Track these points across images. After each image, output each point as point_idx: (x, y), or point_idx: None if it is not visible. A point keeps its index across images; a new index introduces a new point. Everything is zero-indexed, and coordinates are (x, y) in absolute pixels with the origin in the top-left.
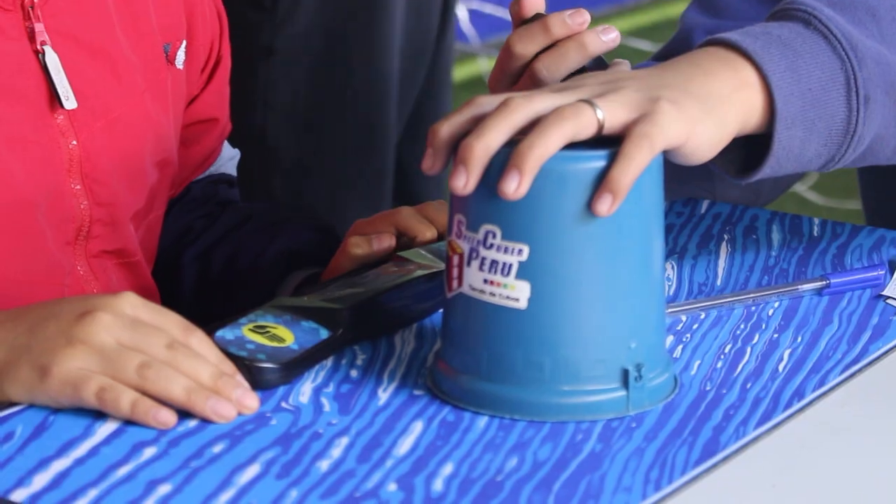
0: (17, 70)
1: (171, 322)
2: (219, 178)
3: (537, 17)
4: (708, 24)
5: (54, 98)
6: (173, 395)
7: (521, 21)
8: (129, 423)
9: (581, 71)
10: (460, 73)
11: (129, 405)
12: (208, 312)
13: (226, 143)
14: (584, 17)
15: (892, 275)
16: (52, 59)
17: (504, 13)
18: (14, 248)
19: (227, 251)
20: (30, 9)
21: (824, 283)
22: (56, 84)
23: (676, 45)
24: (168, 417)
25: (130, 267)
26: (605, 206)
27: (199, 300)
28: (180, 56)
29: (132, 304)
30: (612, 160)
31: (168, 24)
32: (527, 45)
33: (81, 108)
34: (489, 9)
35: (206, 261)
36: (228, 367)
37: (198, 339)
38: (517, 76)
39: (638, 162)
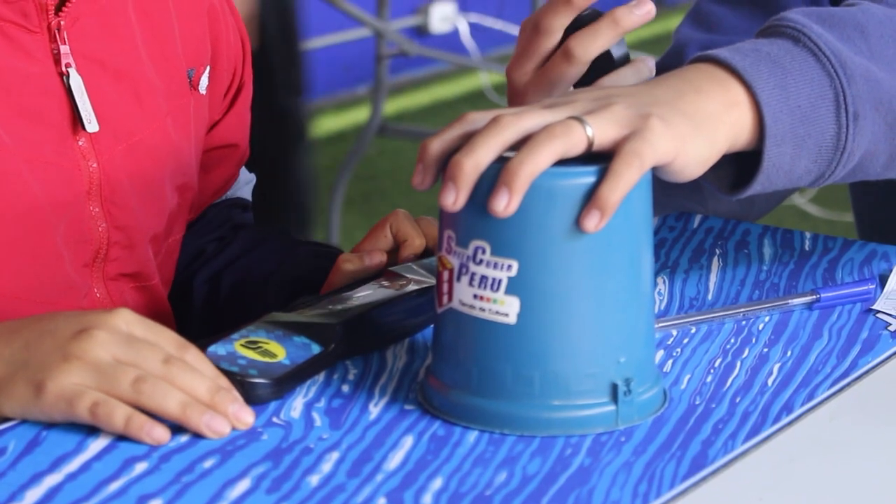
0: (41, 92)
1: (167, 338)
2: (234, 202)
3: (590, 15)
4: (701, 39)
5: (77, 121)
6: (168, 409)
7: (575, 20)
8: (120, 438)
9: (608, 62)
10: (461, 86)
11: (122, 420)
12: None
13: (242, 168)
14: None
15: (882, 289)
16: (77, 82)
17: (504, 26)
18: (31, 268)
19: (236, 276)
20: (56, 31)
21: (814, 297)
22: (79, 107)
23: (669, 59)
24: (161, 434)
25: (147, 291)
26: (592, 222)
27: (207, 323)
28: (204, 81)
29: (127, 321)
30: (601, 176)
31: (193, 49)
32: (555, 21)
33: (103, 131)
34: (489, 22)
35: (215, 284)
36: (224, 382)
37: (193, 355)
38: (545, 56)
39: (627, 180)
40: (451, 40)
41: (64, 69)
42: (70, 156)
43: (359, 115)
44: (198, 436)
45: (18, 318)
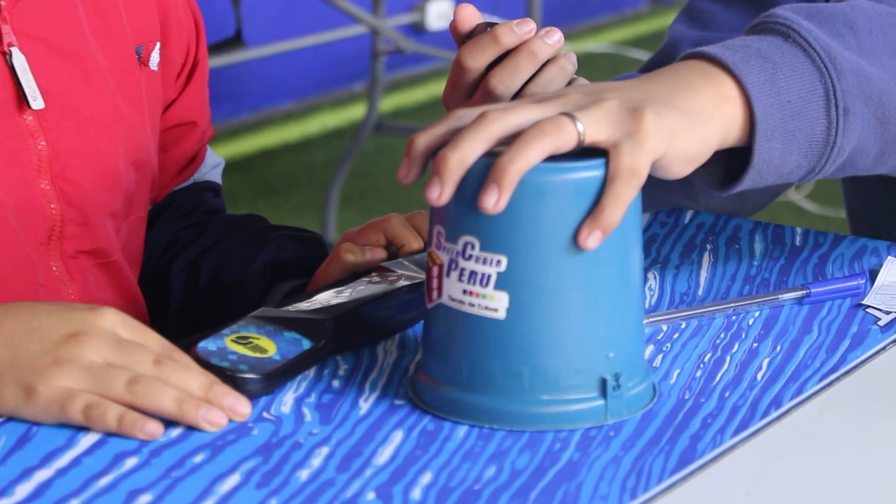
0: None
1: (153, 339)
2: (203, 185)
3: (481, 28)
4: (694, 37)
5: (22, 99)
6: (164, 406)
7: (465, 36)
8: (111, 433)
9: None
10: None
11: (115, 419)
12: (196, 323)
13: (210, 151)
14: (531, 25)
15: (872, 284)
16: (20, 61)
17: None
18: None
19: (215, 262)
20: None
21: (804, 292)
22: (23, 84)
23: (662, 57)
24: (155, 429)
25: (109, 267)
26: (594, 242)
27: (186, 310)
28: (154, 58)
29: (112, 322)
30: (590, 171)
31: (140, 26)
32: (478, 58)
33: (50, 109)
34: (486, 19)
35: (193, 271)
36: (215, 378)
37: (180, 355)
38: (470, 90)
39: (628, 199)
40: (448, 37)
41: (6, 48)
42: (16, 134)
43: (355, 112)
44: (188, 431)
45: None
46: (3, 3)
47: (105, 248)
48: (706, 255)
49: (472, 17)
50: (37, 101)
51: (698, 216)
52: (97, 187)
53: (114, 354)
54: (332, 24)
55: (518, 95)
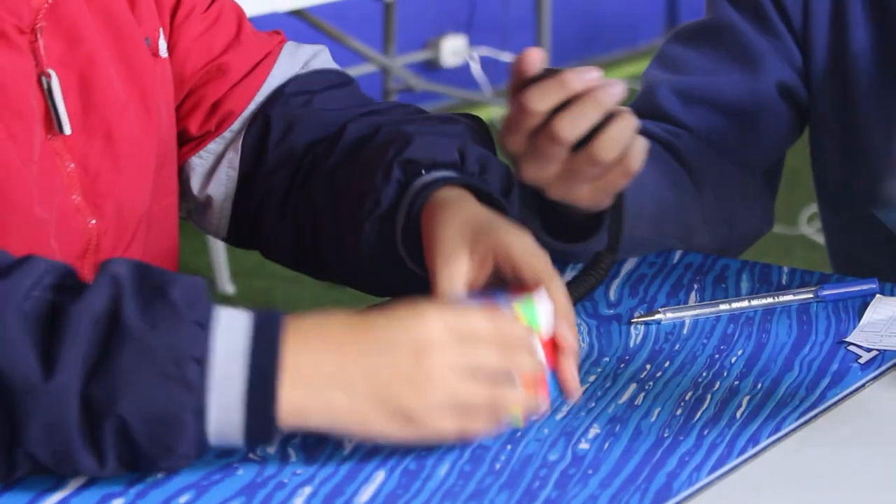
0: (21, 92)
1: (477, 320)
2: (320, 74)
3: (546, 73)
4: (670, 80)
5: (51, 121)
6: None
7: (525, 79)
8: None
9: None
10: None
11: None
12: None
13: (296, 45)
14: (596, 73)
15: (859, 320)
16: (55, 84)
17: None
18: None
19: (351, 169)
20: (38, 33)
21: (813, 293)
22: (58, 109)
23: (642, 102)
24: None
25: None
26: None
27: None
28: (162, 45)
29: (440, 326)
30: None
31: (143, 18)
32: (543, 102)
33: (76, 131)
34: (497, 55)
35: (331, 180)
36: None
37: (508, 325)
38: (532, 133)
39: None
40: (460, 74)
41: (45, 72)
42: (47, 154)
43: None
44: (173, 473)
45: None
46: (43, 24)
47: (137, 257)
48: (693, 294)
49: (538, 61)
50: (66, 126)
51: (686, 256)
52: (128, 196)
53: (461, 356)
54: (344, 62)
55: (583, 146)
